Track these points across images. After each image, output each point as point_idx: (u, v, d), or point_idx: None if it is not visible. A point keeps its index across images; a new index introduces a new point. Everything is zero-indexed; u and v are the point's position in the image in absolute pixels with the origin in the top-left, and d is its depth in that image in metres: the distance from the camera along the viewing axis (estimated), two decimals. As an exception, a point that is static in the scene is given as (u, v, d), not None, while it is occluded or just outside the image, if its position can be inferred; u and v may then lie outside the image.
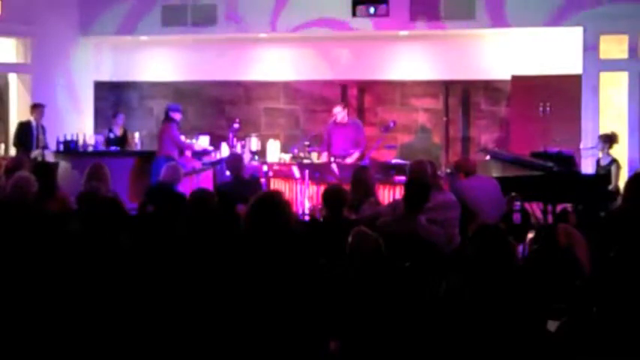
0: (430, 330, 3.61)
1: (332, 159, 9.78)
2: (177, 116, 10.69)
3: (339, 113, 10.24)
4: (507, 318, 3.53)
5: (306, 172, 9.16)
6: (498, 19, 10.66)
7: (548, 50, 10.98)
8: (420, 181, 5.78)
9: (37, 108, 10.71)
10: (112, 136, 11.48)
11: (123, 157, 11.09)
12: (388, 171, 9.20)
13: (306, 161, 9.79)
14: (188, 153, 10.80)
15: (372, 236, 4.39)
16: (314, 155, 10.04)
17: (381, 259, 4.24)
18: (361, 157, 10.14)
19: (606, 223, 5.49)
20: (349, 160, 9.81)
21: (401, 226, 5.27)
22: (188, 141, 11.13)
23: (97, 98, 12.81)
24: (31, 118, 10.67)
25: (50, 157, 10.69)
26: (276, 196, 4.63)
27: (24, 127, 10.66)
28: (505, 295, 3.64)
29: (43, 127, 10.69)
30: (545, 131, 10.47)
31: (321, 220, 6.16)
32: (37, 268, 4.34)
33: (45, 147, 10.65)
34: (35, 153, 10.35)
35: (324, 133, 10.42)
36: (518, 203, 7.61)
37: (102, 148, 11.34)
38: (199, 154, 10.86)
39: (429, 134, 11.56)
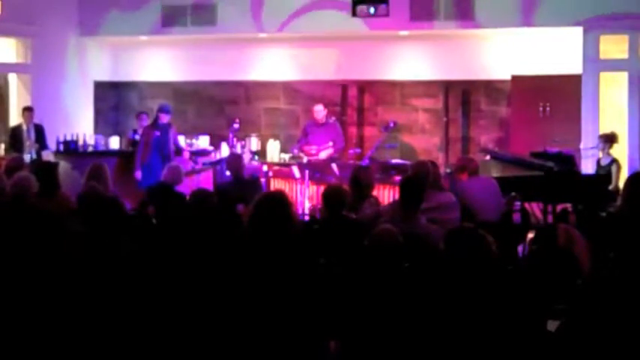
0: (429, 330, 3.61)
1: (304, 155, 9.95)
2: (163, 118, 10.16)
3: (320, 112, 10.36)
4: (507, 318, 3.53)
5: (306, 172, 9.16)
6: (498, 19, 10.66)
7: (548, 50, 10.98)
8: (413, 180, 5.77)
9: (25, 112, 10.73)
10: (136, 137, 11.13)
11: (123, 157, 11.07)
12: (388, 171, 9.21)
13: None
14: (186, 154, 10.70)
15: (394, 234, 4.39)
16: (323, 153, 10.08)
17: (400, 258, 4.25)
18: (361, 156, 10.18)
19: (606, 224, 5.49)
20: (323, 155, 9.97)
21: (400, 226, 5.26)
22: (188, 141, 11.16)
23: (97, 98, 12.82)
24: (22, 121, 10.70)
25: (50, 157, 10.69)
26: (280, 196, 4.65)
27: (15, 131, 10.69)
28: (503, 295, 3.65)
29: (39, 128, 10.67)
30: (545, 131, 10.46)
31: (321, 220, 6.16)
32: (37, 268, 4.34)
33: (42, 148, 10.63)
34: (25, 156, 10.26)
35: (302, 131, 10.61)
36: (518, 203, 7.62)
37: (102, 148, 11.33)
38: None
39: (429, 134, 11.57)
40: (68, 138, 11.05)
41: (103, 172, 6.98)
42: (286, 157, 10.87)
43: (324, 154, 10.02)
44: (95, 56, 12.72)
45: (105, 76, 12.87)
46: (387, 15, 10.79)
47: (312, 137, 10.31)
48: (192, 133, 11.72)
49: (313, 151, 10.04)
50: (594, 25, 10.28)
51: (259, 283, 4.10)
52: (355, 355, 3.85)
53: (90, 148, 11.22)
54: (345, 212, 5.75)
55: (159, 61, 12.72)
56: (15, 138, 10.63)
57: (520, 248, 6.95)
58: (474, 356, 3.46)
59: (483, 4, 10.66)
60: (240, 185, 7.80)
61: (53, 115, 11.22)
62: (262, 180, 9.30)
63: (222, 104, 12.39)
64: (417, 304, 3.80)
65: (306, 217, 8.46)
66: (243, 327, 3.95)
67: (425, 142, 11.52)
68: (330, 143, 10.12)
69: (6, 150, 10.72)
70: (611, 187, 8.66)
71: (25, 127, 10.63)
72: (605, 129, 9.84)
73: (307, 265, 4.38)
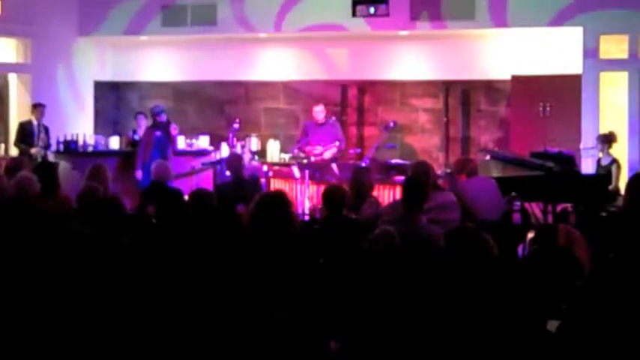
0: (430, 330, 3.61)
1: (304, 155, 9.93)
2: (160, 118, 10.39)
3: (319, 113, 10.33)
4: (507, 318, 3.53)
5: (306, 172, 9.16)
6: (499, 19, 10.66)
7: (548, 50, 10.98)
8: (417, 180, 5.76)
9: (37, 108, 10.73)
10: (136, 137, 11.20)
11: (123, 157, 11.07)
12: (388, 171, 9.21)
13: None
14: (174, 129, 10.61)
15: (392, 237, 4.39)
16: (327, 153, 10.07)
17: (398, 260, 4.25)
18: (361, 156, 10.17)
19: (606, 224, 5.48)
20: (327, 155, 9.93)
21: (401, 227, 5.26)
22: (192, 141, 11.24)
23: (97, 98, 12.83)
24: (32, 118, 10.69)
25: (51, 157, 10.69)
26: (280, 195, 4.65)
27: (25, 127, 10.67)
28: (503, 295, 3.65)
29: (45, 127, 10.70)
30: (545, 131, 10.47)
31: (321, 220, 6.16)
32: (38, 267, 4.34)
33: (47, 146, 10.66)
34: (34, 151, 10.34)
35: (302, 131, 10.58)
36: (518, 203, 7.61)
37: (102, 148, 11.34)
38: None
39: (429, 134, 11.57)
40: (68, 138, 11.05)
41: (103, 172, 6.97)
42: (286, 157, 10.87)
43: (328, 154, 9.98)
44: (95, 56, 12.72)
45: (105, 76, 12.87)
46: (387, 15, 10.80)
47: (313, 137, 10.29)
48: (192, 133, 11.72)
49: (317, 151, 9.99)
50: (594, 25, 10.28)
51: (259, 283, 4.10)
52: (355, 355, 3.85)
53: (90, 148, 11.22)
54: (345, 212, 5.75)
55: (159, 61, 12.73)
56: (24, 133, 10.61)
57: (520, 248, 6.94)
58: (474, 356, 3.46)
59: (484, 4, 10.65)
60: (240, 185, 7.79)
61: (53, 115, 11.22)
62: (262, 180, 9.30)
63: (222, 104, 12.39)
64: (417, 304, 3.80)
65: (306, 217, 8.46)
66: (243, 327, 3.95)
67: (425, 142, 11.53)
68: (337, 143, 10.08)
69: (16, 146, 10.72)
70: (611, 187, 8.66)
71: (35, 123, 10.64)
72: (605, 129, 9.83)
73: (307, 265, 4.38)
